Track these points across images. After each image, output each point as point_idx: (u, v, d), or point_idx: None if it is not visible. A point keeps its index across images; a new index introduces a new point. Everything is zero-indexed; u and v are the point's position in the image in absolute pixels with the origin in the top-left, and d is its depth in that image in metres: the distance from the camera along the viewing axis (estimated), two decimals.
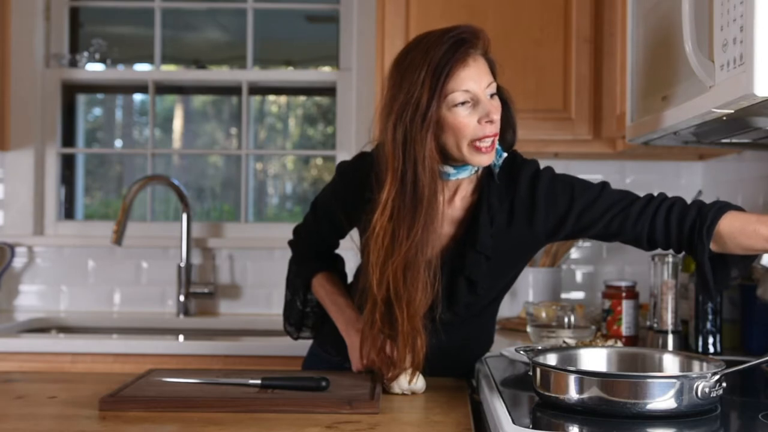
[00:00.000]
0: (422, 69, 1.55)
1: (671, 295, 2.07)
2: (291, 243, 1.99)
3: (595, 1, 2.52)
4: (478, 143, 1.58)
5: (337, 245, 1.96)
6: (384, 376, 1.67)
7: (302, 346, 2.07)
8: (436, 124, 1.57)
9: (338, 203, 1.80)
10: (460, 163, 1.65)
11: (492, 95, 1.60)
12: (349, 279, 1.98)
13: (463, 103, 1.57)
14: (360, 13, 3.03)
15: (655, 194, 1.66)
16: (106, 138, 3.67)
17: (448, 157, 1.62)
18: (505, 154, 1.71)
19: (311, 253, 1.95)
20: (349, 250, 1.96)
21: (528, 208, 1.68)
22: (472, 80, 1.57)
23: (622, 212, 1.64)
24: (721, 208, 1.58)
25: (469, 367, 1.88)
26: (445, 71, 1.55)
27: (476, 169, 1.68)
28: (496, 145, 1.64)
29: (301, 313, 1.96)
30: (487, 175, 1.71)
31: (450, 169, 1.65)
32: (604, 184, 1.69)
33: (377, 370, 1.70)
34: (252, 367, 2.35)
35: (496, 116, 1.59)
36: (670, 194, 1.66)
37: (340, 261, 1.98)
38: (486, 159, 1.61)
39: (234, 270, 3.05)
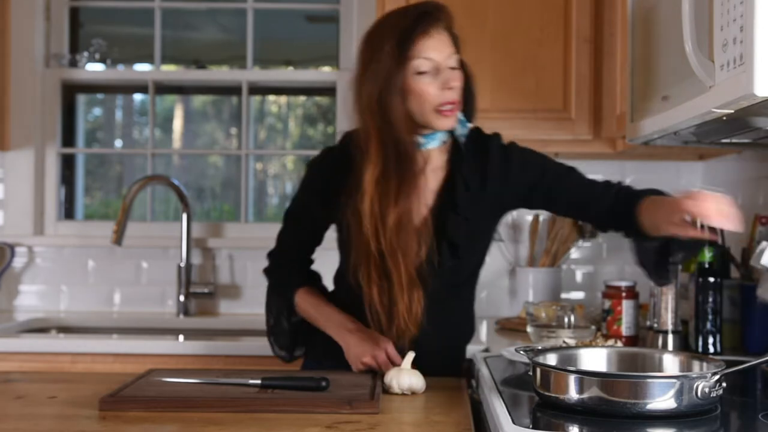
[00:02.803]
0: (389, 40, 1.70)
1: (671, 295, 2.07)
2: (266, 270, 1.98)
3: (595, 1, 2.52)
4: (440, 108, 1.71)
5: (312, 257, 1.97)
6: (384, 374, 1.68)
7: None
8: (402, 90, 1.70)
9: (315, 197, 1.86)
10: (428, 132, 1.77)
11: (453, 68, 1.73)
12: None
13: (425, 72, 1.70)
14: (360, 13, 3.03)
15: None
16: (106, 138, 3.67)
17: (416, 124, 1.74)
18: (470, 125, 1.83)
19: (288, 273, 1.95)
20: (331, 250, 1.96)
21: (501, 171, 1.80)
22: (434, 50, 1.71)
23: (589, 184, 1.81)
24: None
25: (456, 362, 1.95)
26: (409, 41, 1.69)
27: (444, 139, 1.81)
28: (460, 115, 1.77)
29: (290, 330, 1.95)
30: (456, 147, 1.83)
31: (420, 139, 1.77)
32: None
33: (378, 369, 1.70)
34: (252, 367, 2.34)
35: (456, 83, 1.73)
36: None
37: (317, 278, 1.99)
38: (448, 123, 1.75)
39: (234, 270, 3.05)
